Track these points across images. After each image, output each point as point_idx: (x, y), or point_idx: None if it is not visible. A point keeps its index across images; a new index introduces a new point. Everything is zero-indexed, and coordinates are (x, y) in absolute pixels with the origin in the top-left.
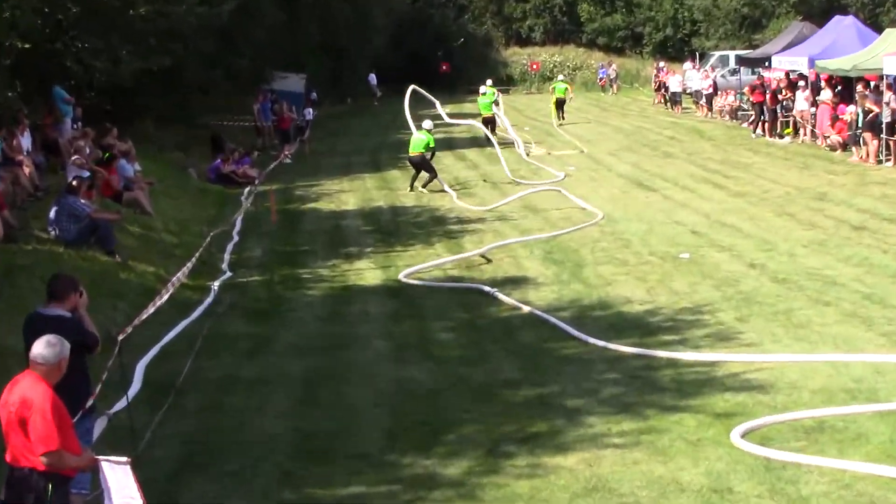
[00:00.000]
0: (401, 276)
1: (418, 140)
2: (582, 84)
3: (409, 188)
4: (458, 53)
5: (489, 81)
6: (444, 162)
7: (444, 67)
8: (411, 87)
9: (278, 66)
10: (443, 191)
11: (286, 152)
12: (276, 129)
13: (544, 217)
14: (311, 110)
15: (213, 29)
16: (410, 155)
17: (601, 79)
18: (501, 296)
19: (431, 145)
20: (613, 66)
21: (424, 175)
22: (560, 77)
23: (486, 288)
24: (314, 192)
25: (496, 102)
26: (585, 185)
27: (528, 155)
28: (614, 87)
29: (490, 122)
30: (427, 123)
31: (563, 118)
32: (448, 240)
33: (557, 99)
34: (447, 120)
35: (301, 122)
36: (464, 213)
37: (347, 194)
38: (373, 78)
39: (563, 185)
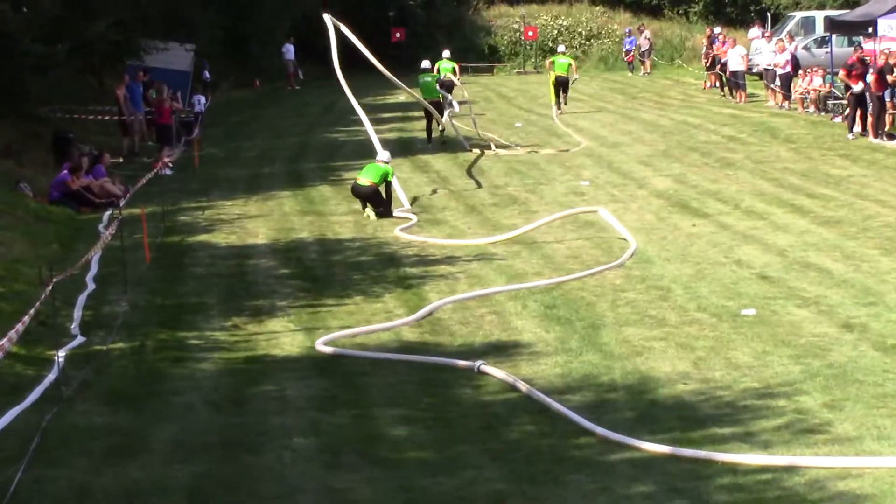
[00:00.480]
0: (318, 344)
1: (374, 169)
2: (600, 59)
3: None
4: (417, 15)
5: (446, 53)
6: (401, 172)
7: (397, 35)
8: (328, 18)
9: (154, 33)
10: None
11: (165, 158)
12: (151, 124)
13: (543, 254)
14: (202, 98)
15: None
16: (358, 183)
17: (628, 52)
18: (492, 369)
19: (390, 179)
20: (646, 33)
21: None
22: (561, 48)
23: (463, 362)
24: (207, 219)
25: (446, 84)
26: (605, 207)
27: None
28: (647, 63)
29: (437, 109)
30: (384, 154)
31: (564, 104)
32: (403, 289)
33: (557, 78)
34: (454, 110)
35: (188, 114)
36: (427, 249)
37: (255, 221)
38: (289, 50)
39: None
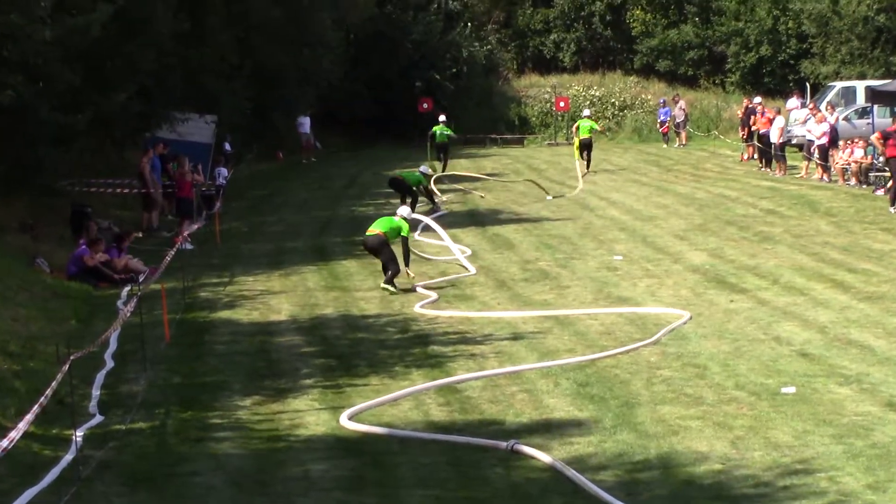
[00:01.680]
0: (343, 418)
1: (386, 221)
2: (633, 130)
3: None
4: (444, 86)
5: (442, 118)
6: (430, 247)
7: (424, 106)
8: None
9: (175, 104)
10: (412, 290)
11: (186, 233)
12: (170, 197)
13: (576, 330)
14: (223, 170)
15: (76, 51)
16: (366, 234)
17: (663, 123)
18: (528, 449)
19: (405, 234)
20: (681, 103)
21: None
22: (586, 112)
23: (495, 442)
24: (228, 294)
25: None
26: (639, 282)
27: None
28: (682, 135)
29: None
30: (404, 210)
31: (587, 169)
32: (430, 367)
33: (581, 141)
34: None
35: (209, 187)
36: (455, 325)
37: (278, 297)
38: (304, 123)
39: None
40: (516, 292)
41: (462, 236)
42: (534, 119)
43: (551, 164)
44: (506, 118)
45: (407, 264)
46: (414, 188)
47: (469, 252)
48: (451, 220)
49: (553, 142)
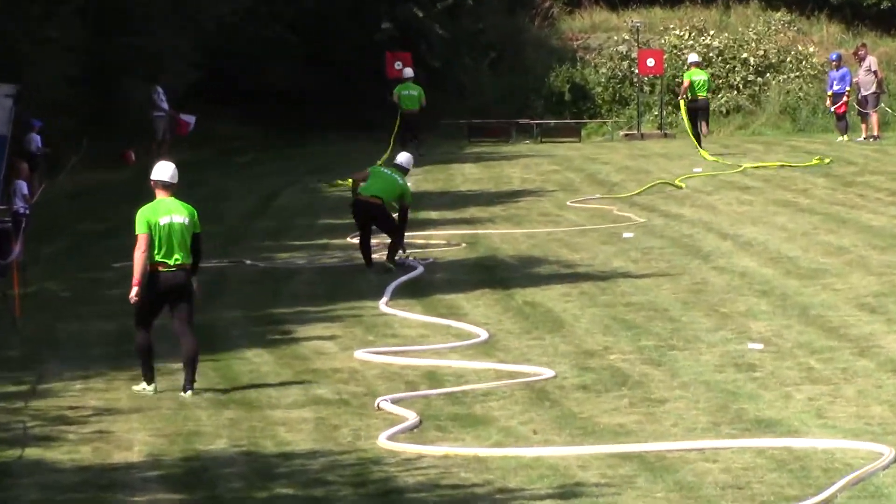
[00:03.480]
0: None
1: (388, 182)
2: (783, 111)
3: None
4: (434, 31)
5: (409, 72)
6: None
7: (397, 66)
8: None
9: None
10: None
11: None
12: None
13: (679, 480)
14: (24, 185)
15: None
16: (362, 196)
17: (837, 97)
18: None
19: (409, 200)
20: (869, 61)
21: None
22: (694, 56)
23: None
24: (36, 415)
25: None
26: (796, 392)
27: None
28: (872, 118)
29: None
30: (404, 158)
31: (702, 142)
32: None
33: (697, 104)
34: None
35: (1, 217)
36: (453, 469)
37: (127, 421)
38: (160, 94)
39: None
40: (567, 410)
41: (465, 306)
42: (598, 90)
43: (631, 171)
44: (546, 90)
45: (402, 244)
46: (400, 210)
47: (483, 336)
48: (444, 279)
49: (634, 132)
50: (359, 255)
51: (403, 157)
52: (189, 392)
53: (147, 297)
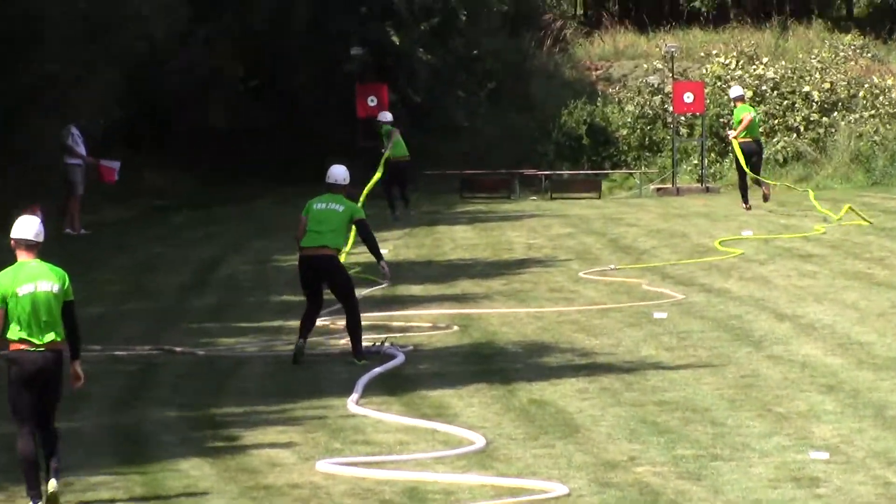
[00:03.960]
0: None
1: (329, 220)
2: (853, 159)
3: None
4: (416, 58)
5: (387, 115)
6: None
7: (371, 103)
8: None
9: None
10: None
11: None
12: None
13: None
14: None
15: None
16: (307, 252)
17: None
18: None
19: (359, 216)
20: None
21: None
22: (736, 90)
23: None
24: None
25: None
26: None
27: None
28: None
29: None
30: (336, 172)
31: (764, 191)
32: None
33: (750, 143)
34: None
35: None
36: None
37: None
38: (75, 136)
39: None
40: None
41: (456, 405)
42: (623, 133)
43: (666, 236)
44: (558, 133)
45: (380, 258)
46: (359, 232)
47: (479, 443)
48: (430, 370)
49: (668, 186)
50: (328, 340)
51: (337, 173)
52: (53, 482)
53: (13, 388)
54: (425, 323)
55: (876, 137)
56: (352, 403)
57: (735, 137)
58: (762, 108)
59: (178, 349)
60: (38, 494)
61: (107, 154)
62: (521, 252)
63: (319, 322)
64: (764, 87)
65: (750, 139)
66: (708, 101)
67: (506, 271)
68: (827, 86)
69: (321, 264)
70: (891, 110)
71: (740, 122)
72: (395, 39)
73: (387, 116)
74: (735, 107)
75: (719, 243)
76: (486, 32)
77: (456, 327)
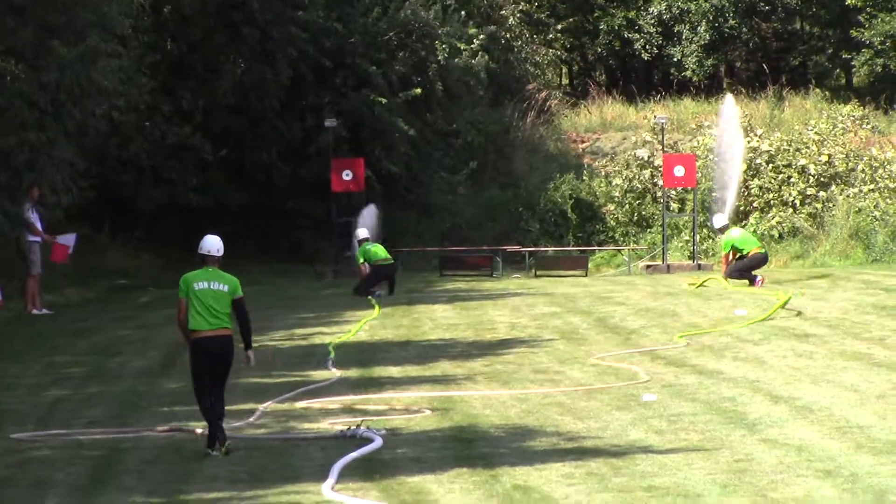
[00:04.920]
0: None
1: (216, 295)
2: (852, 235)
3: None
4: (397, 132)
5: (363, 232)
6: None
7: (346, 177)
8: None
9: None
10: None
11: None
12: None
13: None
14: None
15: None
16: (204, 332)
17: None
18: None
19: (240, 293)
20: None
21: None
22: (719, 219)
23: None
24: None
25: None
26: None
27: None
28: None
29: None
30: (209, 243)
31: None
32: None
33: (759, 254)
34: None
35: None
36: None
37: None
38: (34, 213)
39: None
40: None
41: (436, 491)
42: (611, 208)
43: (656, 315)
44: (542, 208)
45: (250, 346)
46: (238, 314)
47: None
48: (408, 455)
49: (658, 263)
50: (298, 425)
51: (211, 244)
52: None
53: None
54: (399, 406)
55: (876, 212)
56: (327, 489)
57: (727, 277)
58: (756, 181)
59: (144, 431)
60: None
61: (62, 229)
62: (504, 332)
63: (296, 405)
64: (758, 160)
65: (756, 250)
66: (699, 175)
67: (488, 352)
68: (824, 158)
69: (223, 347)
70: (891, 184)
71: (728, 252)
72: (373, 109)
73: (362, 234)
74: (720, 238)
75: (689, 284)
76: (466, 103)
77: (429, 411)
